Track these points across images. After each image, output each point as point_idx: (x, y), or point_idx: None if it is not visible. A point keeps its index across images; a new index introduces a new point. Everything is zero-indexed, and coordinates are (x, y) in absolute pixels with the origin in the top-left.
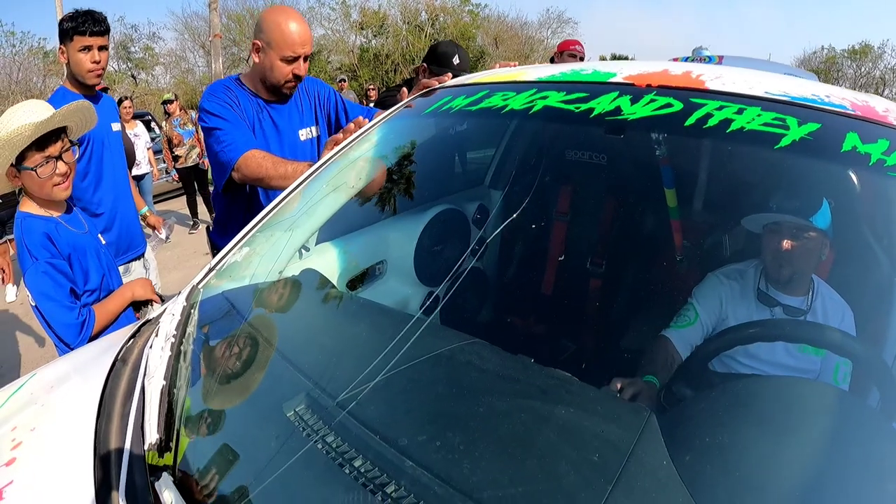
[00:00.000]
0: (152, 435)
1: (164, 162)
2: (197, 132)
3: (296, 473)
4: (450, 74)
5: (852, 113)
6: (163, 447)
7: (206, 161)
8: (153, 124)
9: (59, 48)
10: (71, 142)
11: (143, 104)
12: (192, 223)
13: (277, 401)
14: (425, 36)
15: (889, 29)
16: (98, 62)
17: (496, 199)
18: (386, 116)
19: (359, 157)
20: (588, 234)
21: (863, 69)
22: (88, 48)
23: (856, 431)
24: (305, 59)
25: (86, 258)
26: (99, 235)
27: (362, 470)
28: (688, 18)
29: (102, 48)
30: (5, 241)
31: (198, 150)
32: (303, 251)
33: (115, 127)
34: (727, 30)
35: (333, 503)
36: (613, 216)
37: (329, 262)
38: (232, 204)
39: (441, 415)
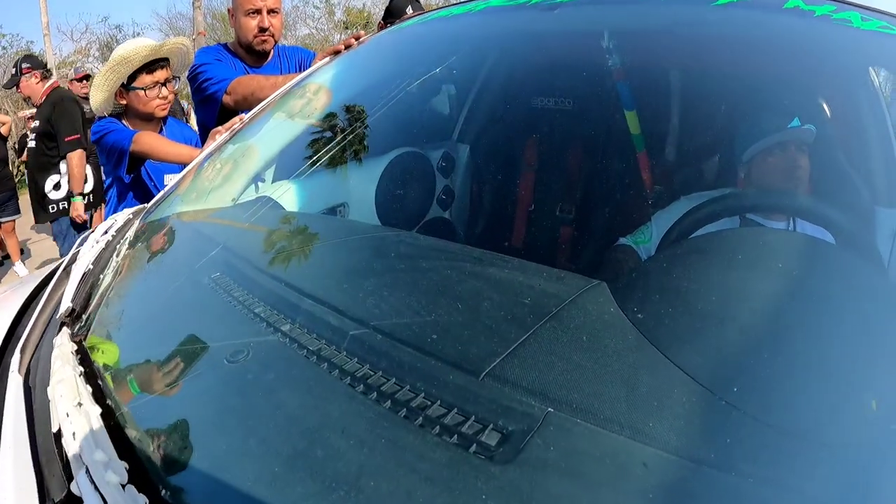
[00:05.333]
0: (65, 303)
1: None
2: (189, 121)
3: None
4: None
5: None
6: (76, 315)
7: None
8: None
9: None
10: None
11: None
12: None
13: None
14: None
15: None
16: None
17: (462, 150)
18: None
19: (323, 88)
20: (555, 181)
21: None
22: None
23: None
24: (270, 12)
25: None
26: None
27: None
28: None
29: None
30: (11, 220)
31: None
32: (259, 183)
33: None
34: None
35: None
36: (580, 161)
37: (288, 201)
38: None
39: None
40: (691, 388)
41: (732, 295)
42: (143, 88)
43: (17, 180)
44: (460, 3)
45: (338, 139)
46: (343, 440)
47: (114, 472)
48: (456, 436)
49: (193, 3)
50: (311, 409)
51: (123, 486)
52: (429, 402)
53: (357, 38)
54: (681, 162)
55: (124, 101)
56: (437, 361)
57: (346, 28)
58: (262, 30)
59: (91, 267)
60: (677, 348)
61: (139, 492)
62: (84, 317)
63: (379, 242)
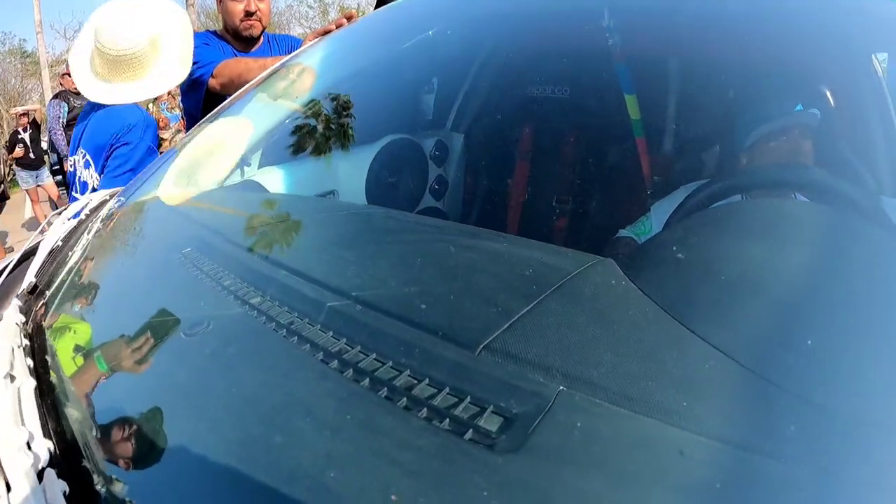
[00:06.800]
0: (28, 279)
1: None
2: (182, 118)
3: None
4: None
5: None
6: (39, 292)
7: None
8: None
9: None
10: None
11: None
12: None
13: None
14: None
15: None
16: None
17: (456, 138)
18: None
19: (312, 70)
20: (552, 171)
21: None
22: None
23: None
24: None
25: None
26: None
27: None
28: None
29: None
30: None
31: (182, 134)
32: (245, 167)
33: None
34: None
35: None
36: (579, 149)
37: (274, 186)
38: None
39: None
40: (724, 363)
41: (757, 265)
42: None
43: (9, 179)
44: None
45: (327, 124)
46: (309, 424)
47: (28, 454)
48: (448, 420)
49: (187, 2)
50: (274, 387)
51: (41, 471)
52: (415, 381)
53: (348, 19)
54: (681, 148)
55: None
56: (426, 334)
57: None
58: (249, 14)
59: (59, 244)
60: (704, 322)
61: (60, 477)
62: (47, 293)
63: (366, 218)
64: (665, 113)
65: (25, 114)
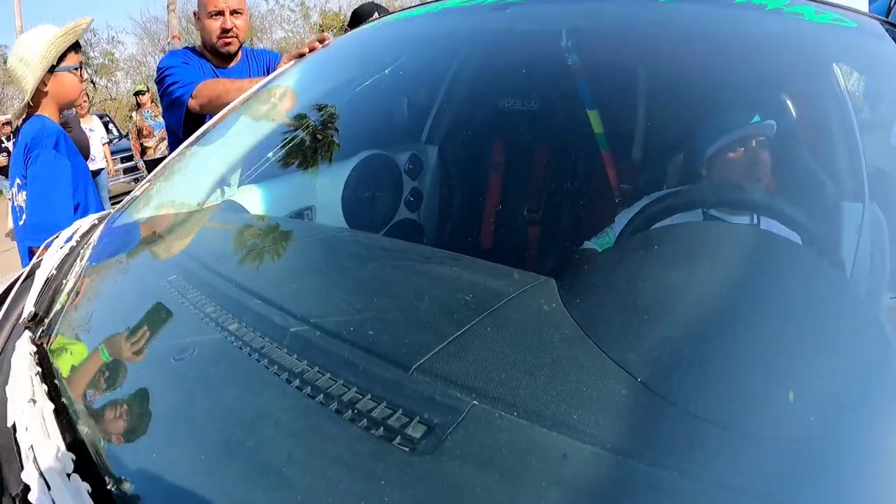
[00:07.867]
0: (28, 308)
1: (121, 162)
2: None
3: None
4: None
5: None
6: (38, 319)
7: None
8: (111, 125)
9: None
10: None
11: (103, 109)
12: None
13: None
14: None
15: None
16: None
17: (430, 152)
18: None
19: (288, 91)
20: (522, 183)
21: None
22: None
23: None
24: (233, 13)
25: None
26: None
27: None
28: None
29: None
30: None
31: (167, 142)
32: (224, 187)
33: None
34: None
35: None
36: (547, 162)
37: (253, 205)
38: None
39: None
40: (623, 381)
41: (676, 289)
42: (75, 68)
43: None
44: (425, 2)
45: (303, 142)
46: (275, 433)
47: (59, 462)
48: (382, 428)
49: (168, 6)
50: (247, 403)
51: (69, 476)
52: (360, 396)
53: (322, 41)
54: (643, 161)
55: (46, 89)
56: (370, 356)
57: (322, 31)
58: (225, 31)
59: (54, 273)
60: (615, 342)
61: (83, 480)
62: (46, 321)
63: (330, 243)
64: (626, 127)
65: (8, 122)
